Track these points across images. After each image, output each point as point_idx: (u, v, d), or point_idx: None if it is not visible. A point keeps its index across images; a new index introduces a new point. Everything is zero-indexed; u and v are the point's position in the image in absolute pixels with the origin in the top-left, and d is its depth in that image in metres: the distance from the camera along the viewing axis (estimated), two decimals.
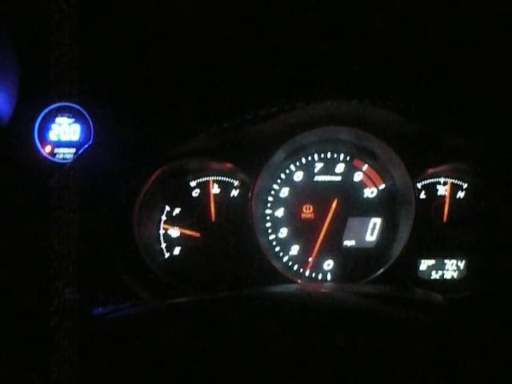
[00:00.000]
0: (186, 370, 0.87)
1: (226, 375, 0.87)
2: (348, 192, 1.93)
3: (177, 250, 1.93)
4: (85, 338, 0.99)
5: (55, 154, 1.75)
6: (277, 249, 1.94)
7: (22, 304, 1.23)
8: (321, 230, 1.92)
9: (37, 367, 0.97)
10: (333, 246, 1.93)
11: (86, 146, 1.61)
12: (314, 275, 1.94)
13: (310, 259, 1.93)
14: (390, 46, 1.62)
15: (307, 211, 1.93)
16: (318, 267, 1.94)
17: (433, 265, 1.92)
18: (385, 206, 1.93)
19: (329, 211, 1.92)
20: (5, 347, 1.02)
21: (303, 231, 1.93)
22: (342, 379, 0.86)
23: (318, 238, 1.92)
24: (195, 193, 1.94)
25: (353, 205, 1.93)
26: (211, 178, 1.94)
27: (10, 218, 1.49)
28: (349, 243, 1.94)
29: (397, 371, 0.87)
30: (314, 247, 1.92)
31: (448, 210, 1.92)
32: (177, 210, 1.93)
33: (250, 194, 1.82)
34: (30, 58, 1.60)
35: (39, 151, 1.72)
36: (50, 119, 1.74)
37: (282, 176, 1.93)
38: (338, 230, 1.93)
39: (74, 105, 1.75)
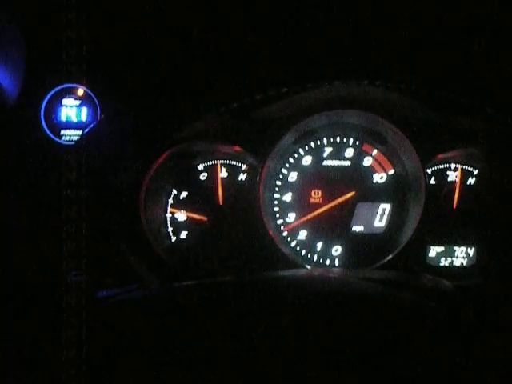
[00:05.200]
0: (190, 353, 0.87)
1: (231, 359, 0.86)
2: (357, 177, 1.91)
3: (183, 234, 1.92)
4: (91, 320, 0.99)
5: (61, 136, 1.74)
6: (284, 234, 1.92)
7: (29, 286, 1.24)
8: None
9: (44, 348, 0.97)
10: (341, 232, 1.92)
11: (91, 125, 1.60)
12: (322, 261, 1.93)
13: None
14: (402, 28, 1.59)
15: (316, 196, 1.91)
16: (326, 253, 1.93)
17: (442, 251, 1.91)
18: (394, 191, 1.91)
19: (338, 196, 1.90)
20: (14, 328, 1.03)
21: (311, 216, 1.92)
22: (349, 363, 0.85)
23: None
24: (203, 176, 1.93)
25: (362, 190, 1.91)
26: (219, 162, 1.92)
27: (16, 200, 1.49)
28: (357, 229, 1.92)
29: (404, 356, 0.86)
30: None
31: (458, 197, 1.90)
32: (184, 194, 1.92)
33: (258, 178, 1.80)
34: (37, 39, 1.59)
35: (45, 133, 1.71)
36: (56, 100, 1.72)
37: (291, 160, 1.92)
38: (346, 216, 1.92)
39: (80, 86, 1.73)
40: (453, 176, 1.92)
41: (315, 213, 1.90)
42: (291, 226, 1.92)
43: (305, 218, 1.91)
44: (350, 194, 1.90)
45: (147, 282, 1.65)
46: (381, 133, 1.88)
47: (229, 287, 1.06)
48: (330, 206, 1.90)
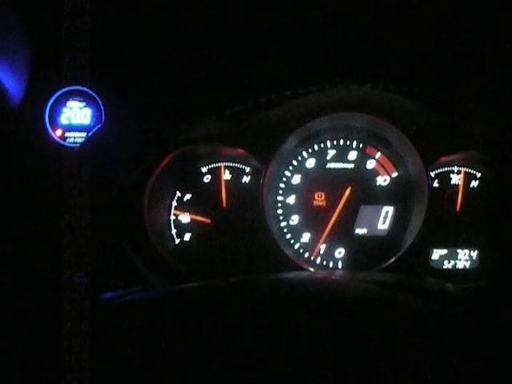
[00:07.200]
0: (193, 355, 0.87)
1: (234, 360, 0.86)
2: (361, 180, 1.91)
3: (187, 236, 1.92)
4: (94, 322, 0.99)
5: (66, 138, 1.74)
6: (288, 236, 1.93)
7: (32, 287, 1.24)
8: (332, 218, 1.90)
9: (46, 350, 0.97)
10: (344, 234, 1.92)
11: (96, 128, 1.61)
12: (325, 263, 1.93)
13: (322, 247, 1.92)
14: (405, 31, 1.59)
15: (319, 199, 1.91)
16: (329, 255, 1.92)
17: (445, 254, 1.91)
18: (397, 194, 1.91)
19: (341, 199, 1.90)
20: (17, 330, 1.03)
21: (315, 219, 1.92)
22: (352, 365, 0.85)
23: (330, 225, 1.91)
24: (206, 179, 1.93)
25: (365, 193, 1.91)
26: (223, 164, 1.93)
27: (21, 202, 1.49)
28: (360, 231, 1.92)
29: (406, 359, 0.86)
30: (325, 235, 1.91)
31: (461, 199, 1.90)
32: (187, 196, 1.92)
33: (261, 181, 1.80)
34: (42, 41, 1.59)
35: (50, 135, 1.72)
36: (61, 103, 1.73)
37: (294, 163, 1.92)
38: (349, 218, 1.92)
39: (85, 89, 1.74)
40: (456, 179, 1.92)
41: (328, 227, 1.91)
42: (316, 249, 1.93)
43: (322, 239, 1.92)
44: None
45: (151, 284, 1.66)
46: (384, 136, 1.88)
47: (232, 289, 1.06)
48: (334, 210, 1.91)
